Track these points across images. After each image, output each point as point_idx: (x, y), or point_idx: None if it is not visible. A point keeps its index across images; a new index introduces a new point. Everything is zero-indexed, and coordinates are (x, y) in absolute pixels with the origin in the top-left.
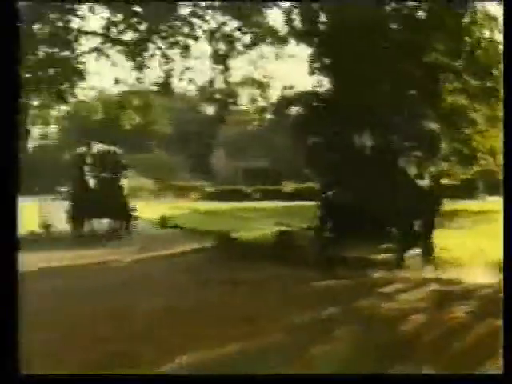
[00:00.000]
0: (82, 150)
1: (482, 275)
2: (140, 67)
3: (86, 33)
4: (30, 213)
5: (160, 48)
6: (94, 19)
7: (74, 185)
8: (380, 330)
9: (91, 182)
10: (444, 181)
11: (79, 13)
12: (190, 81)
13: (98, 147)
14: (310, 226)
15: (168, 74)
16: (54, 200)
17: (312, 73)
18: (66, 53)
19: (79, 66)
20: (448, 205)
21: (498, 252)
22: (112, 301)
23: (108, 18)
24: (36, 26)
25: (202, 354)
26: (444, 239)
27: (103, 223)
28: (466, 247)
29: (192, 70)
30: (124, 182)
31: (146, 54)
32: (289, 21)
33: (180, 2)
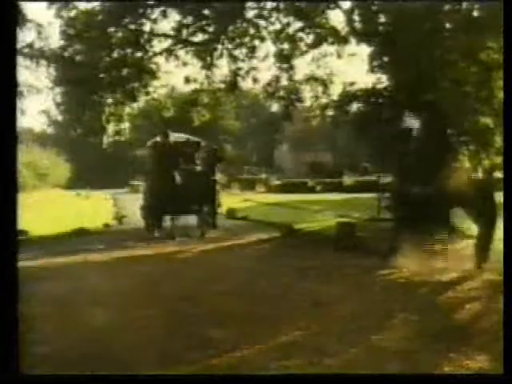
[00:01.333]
0: (159, 139)
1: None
2: (209, 66)
3: (158, 35)
4: (105, 205)
5: (228, 48)
6: (166, 22)
7: (151, 177)
8: (437, 317)
9: (173, 175)
10: (497, 174)
11: (151, 16)
12: (255, 79)
13: (176, 137)
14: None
15: (235, 73)
16: (128, 193)
17: (372, 71)
18: (139, 54)
19: (151, 65)
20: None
21: None
22: (186, 285)
23: (179, 21)
24: (111, 30)
25: (273, 339)
26: (499, 230)
27: (184, 219)
28: None
29: (258, 68)
30: (217, 176)
31: (215, 54)
32: (349, 21)
33: (247, 5)
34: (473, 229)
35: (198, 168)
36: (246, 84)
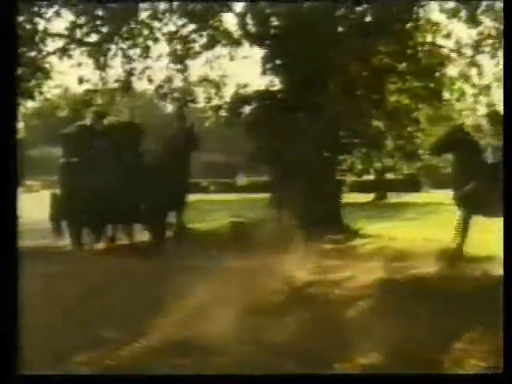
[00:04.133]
0: (88, 122)
1: (428, 263)
2: (103, 67)
3: (52, 34)
4: None
5: (122, 48)
6: (60, 22)
7: (74, 174)
8: (326, 315)
9: (115, 170)
10: (389, 175)
11: (46, 16)
12: (151, 80)
13: (112, 120)
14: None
15: (129, 73)
16: (22, 193)
17: (264, 73)
18: (33, 53)
19: (45, 65)
20: (394, 198)
21: (443, 241)
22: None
23: (72, 21)
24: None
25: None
26: (393, 229)
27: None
28: (413, 237)
29: (152, 69)
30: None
31: (109, 55)
32: (242, 24)
33: (140, 6)
34: (365, 228)
35: (153, 160)
36: (141, 85)
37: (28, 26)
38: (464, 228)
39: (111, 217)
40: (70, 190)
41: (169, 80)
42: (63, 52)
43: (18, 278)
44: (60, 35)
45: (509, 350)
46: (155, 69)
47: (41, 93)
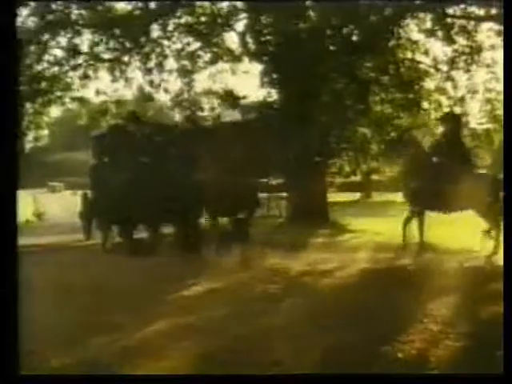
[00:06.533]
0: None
1: (408, 255)
2: (118, 80)
3: (74, 52)
4: (26, 204)
5: (138, 61)
6: (80, 40)
7: (108, 174)
8: (315, 302)
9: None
10: (374, 177)
11: (68, 35)
12: (166, 90)
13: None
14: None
15: (144, 86)
16: (47, 193)
17: (262, 86)
18: (56, 68)
19: (67, 79)
20: (378, 197)
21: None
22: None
23: (91, 39)
24: (33, 47)
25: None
26: (377, 225)
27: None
28: (395, 232)
29: (167, 81)
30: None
31: (124, 69)
32: (243, 42)
33: (152, 27)
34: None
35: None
36: (156, 95)
37: (52, 44)
38: (407, 222)
39: (140, 216)
40: (101, 190)
41: (181, 91)
42: (84, 67)
43: (18, 277)
44: (80, 52)
45: (509, 350)
46: (170, 81)
47: (62, 104)
